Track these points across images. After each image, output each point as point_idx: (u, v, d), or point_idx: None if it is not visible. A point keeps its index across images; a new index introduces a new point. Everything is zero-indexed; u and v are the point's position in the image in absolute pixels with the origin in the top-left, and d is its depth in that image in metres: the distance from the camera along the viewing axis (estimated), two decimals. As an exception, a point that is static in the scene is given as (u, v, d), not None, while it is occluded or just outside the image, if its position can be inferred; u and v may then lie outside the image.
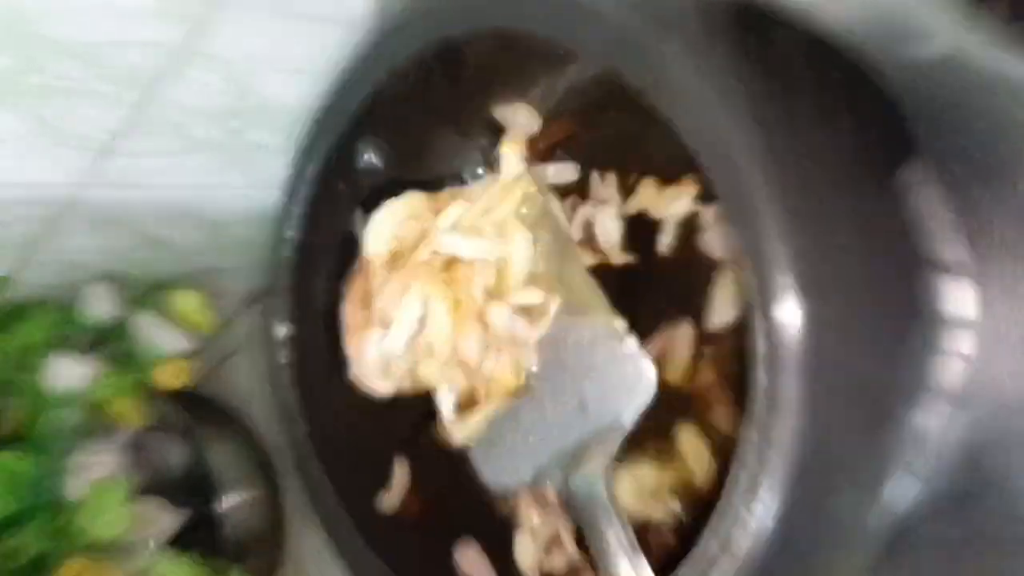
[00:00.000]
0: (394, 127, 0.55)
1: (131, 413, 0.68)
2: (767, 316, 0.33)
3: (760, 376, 0.33)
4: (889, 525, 0.39)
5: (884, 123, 0.39)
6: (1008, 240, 0.38)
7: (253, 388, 0.89)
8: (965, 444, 0.40)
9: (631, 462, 0.48)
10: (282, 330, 0.56)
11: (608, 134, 0.52)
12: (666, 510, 0.47)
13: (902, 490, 0.38)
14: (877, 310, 0.35)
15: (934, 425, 0.38)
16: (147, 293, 0.76)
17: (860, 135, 0.38)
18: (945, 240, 0.39)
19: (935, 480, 0.41)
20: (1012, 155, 0.38)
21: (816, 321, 0.33)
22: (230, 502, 0.79)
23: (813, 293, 0.33)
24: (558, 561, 0.53)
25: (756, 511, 0.34)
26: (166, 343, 0.67)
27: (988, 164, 0.38)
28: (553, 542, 0.54)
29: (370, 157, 0.55)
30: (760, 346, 0.33)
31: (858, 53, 0.41)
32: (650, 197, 0.50)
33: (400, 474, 0.57)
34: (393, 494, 0.57)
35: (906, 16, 0.40)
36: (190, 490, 0.83)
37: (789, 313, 0.33)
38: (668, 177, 0.50)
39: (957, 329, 0.39)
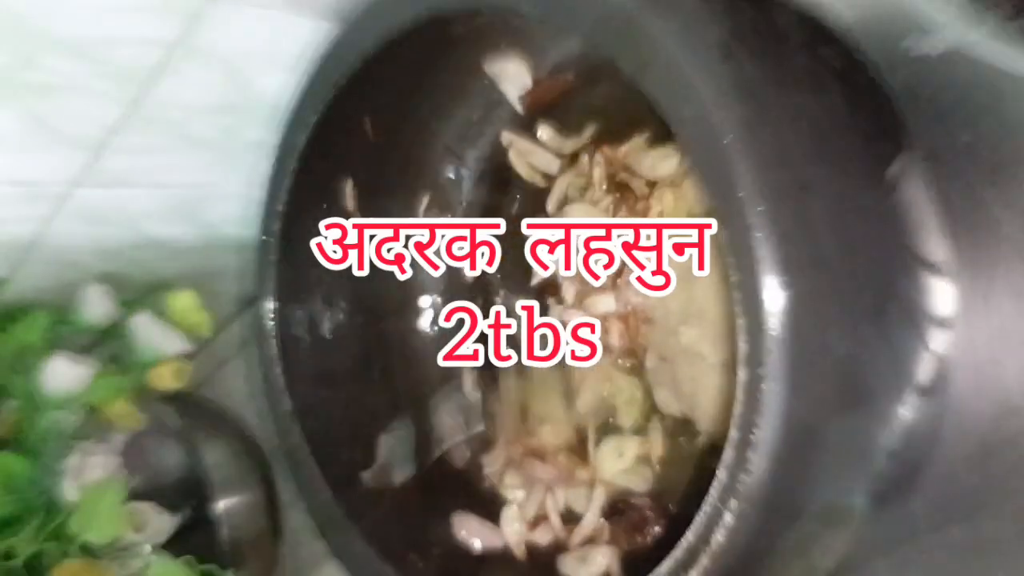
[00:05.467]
0: (383, 96, 0.54)
1: (127, 415, 0.67)
2: (747, 290, 0.33)
3: (742, 348, 0.33)
4: (879, 516, 0.39)
5: (878, 114, 0.39)
6: (1016, 239, 0.38)
7: (249, 390, 0.88)
8: (961, 441, 0.40)
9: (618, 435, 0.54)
10: (270, 303, 0.56)
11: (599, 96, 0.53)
12: (643, 480, 0.52)
13: (890, 480, 0.38)
14: (856, 295, 0.34)
15: (924, 418, 0.38)
16: (143, 294, 0.75)
17: (851, 124, 0.37)
18: (936, 237, 0.39)
19: (926, 474, 0.41)
20: (1020, 153, 0.37)
21: (795, 298, 0.32)
22: (226, 504, 0.79)
23: (791, 269, 0.32)
24: (543, 536, 0.54)
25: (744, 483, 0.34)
26: (162, 344, 0.67)
27: (996, 162, 0.38)
28: (539, 518, 0.55)
29: (359, 125, 0.55)
30: (741, 321, 0.33)
31: (856, 44, 0.40)
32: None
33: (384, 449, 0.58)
34: (377, 469, 0.57)
35: (908, 10, 0.40)
36: (186, 492, 0.82)
37: (769, 288, 0.32)
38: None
39: (944, 325, 0.38)
